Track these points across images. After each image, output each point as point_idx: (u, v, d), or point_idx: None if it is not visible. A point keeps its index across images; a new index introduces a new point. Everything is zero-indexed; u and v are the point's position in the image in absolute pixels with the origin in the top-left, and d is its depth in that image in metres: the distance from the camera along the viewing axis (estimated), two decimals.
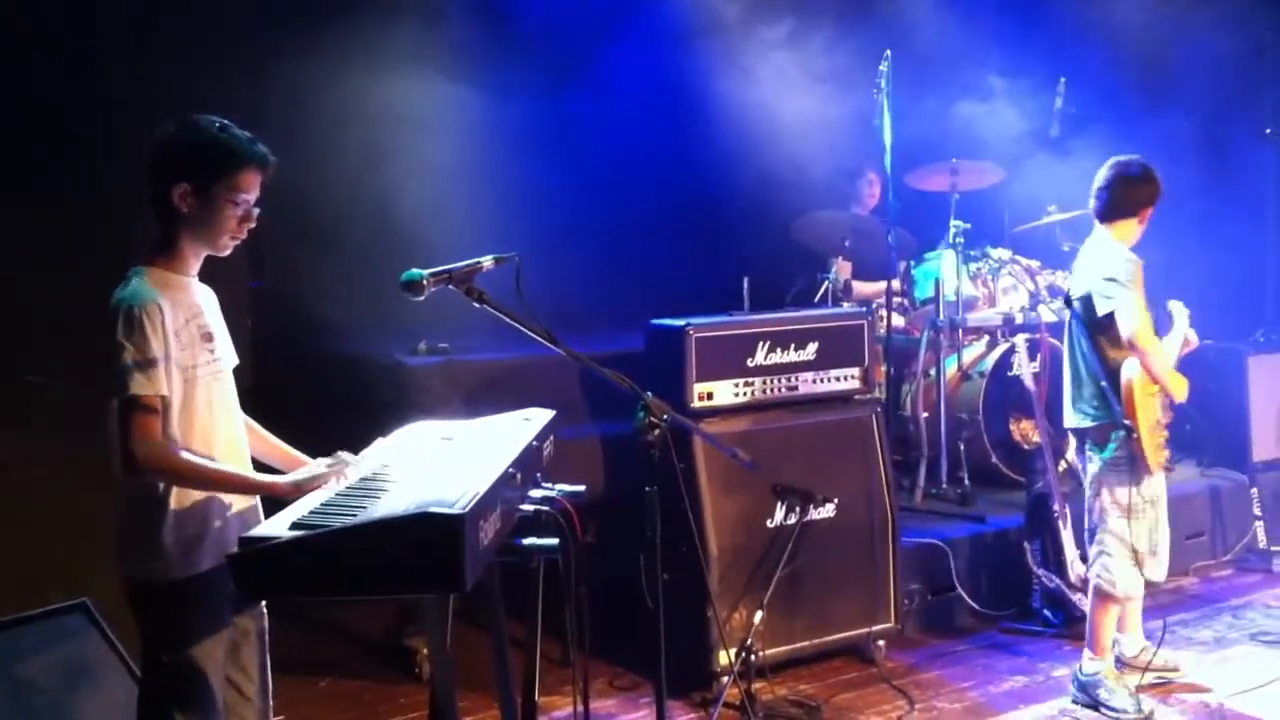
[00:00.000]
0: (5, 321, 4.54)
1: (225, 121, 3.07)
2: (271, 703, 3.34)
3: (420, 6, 6.43)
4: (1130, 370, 4.65)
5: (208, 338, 3.12)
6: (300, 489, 2.97)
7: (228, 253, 3.15)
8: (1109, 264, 4.71)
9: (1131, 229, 4.81)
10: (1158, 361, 4.64)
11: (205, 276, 3.22)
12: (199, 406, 3.05)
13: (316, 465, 3.08)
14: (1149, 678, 4.89)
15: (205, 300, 3.19)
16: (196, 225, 3.05)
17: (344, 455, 3.11)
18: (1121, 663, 4.94)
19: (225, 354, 3.22)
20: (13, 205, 4.54)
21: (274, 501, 2.97)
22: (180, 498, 3.01)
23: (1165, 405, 4.78)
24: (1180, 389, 4.72)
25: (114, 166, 4.70)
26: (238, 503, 3.14)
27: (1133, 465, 4.67)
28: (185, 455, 2.97)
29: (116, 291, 2.97)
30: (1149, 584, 4.83)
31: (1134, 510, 4.66)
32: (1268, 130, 8.09)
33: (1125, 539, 4.67)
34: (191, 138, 3.02)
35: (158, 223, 3.06)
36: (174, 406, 2.98)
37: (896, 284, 6.72)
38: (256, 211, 3.11)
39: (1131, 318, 4.62)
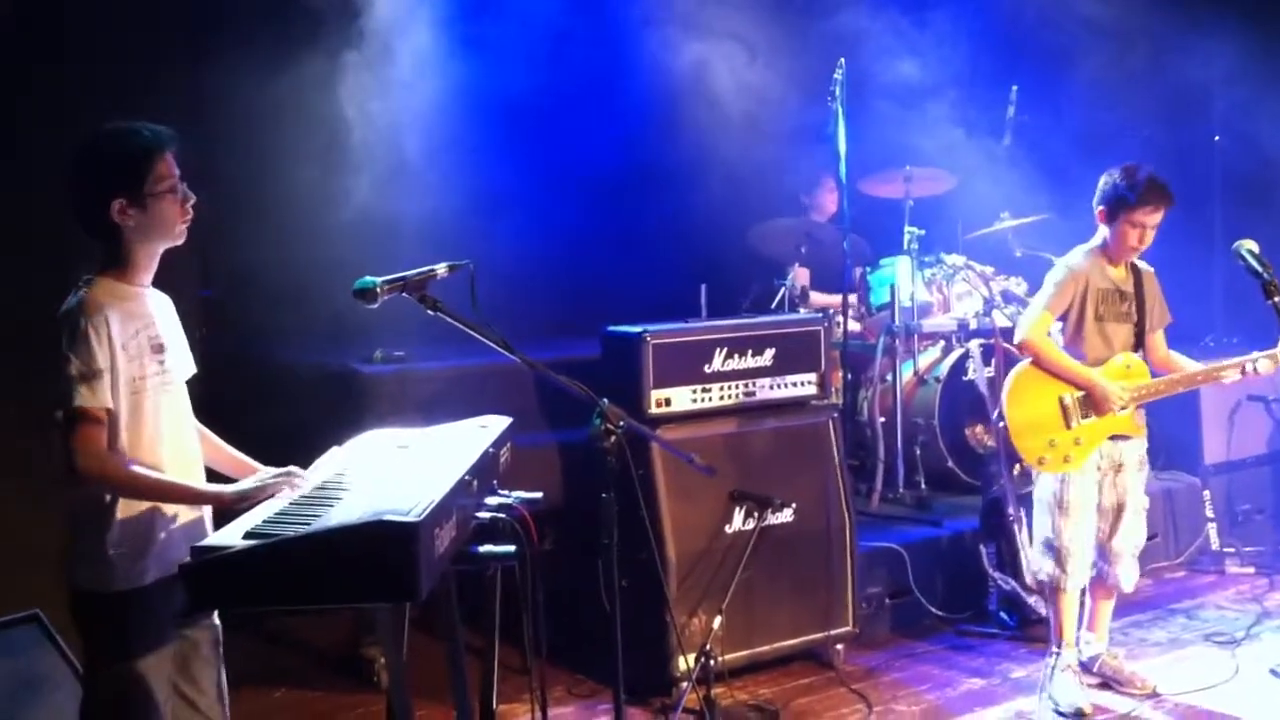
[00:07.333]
0: None
1: (121, 122, 3.05)
2: (228, 713, 3.31)
3: (376, 7, 6.39)
4: (1021, 365, 4.79)
5: (158, 349, 3.10)
6: (246, 499, 2.96)
7: (184, 239, 3.12)
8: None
9: (1100, 232, 4.81)
10: (1052, 364, 4.70)
11: (156, 286, 3.19)
12: (147, 418, 3.03)
13: (264, 474, 3.07)
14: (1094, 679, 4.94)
15: (159, 310, 3.17)
16: (145, 231, 3.04)
17: (294, 469, 3.09)
18: (1085, 665, 4.95)
19: (178, 364, 3.19)
20: None
21: (226, 514, 2.95)
22: (125, 509, 2.98)
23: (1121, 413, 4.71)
24: (1106, 394, 4.64)
25: (52, 170, 4.66)
26: (183, 515, 3.11)
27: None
28: (129, 467, 2.95)
29: (64, 304, 2.95)
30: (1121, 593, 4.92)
31: (1051, 507, 4.77)
32: (1216, 138, 8.21)
33: (1045, 532, 4.79)
34: (106, 152, 3.00)
35: (101, 239, 3.03)
36: (121, 418, 2.96)
37: (853, 294, 6.76)
38: (185, 187, 3.07)
39: (1026, 319, 4.80)
